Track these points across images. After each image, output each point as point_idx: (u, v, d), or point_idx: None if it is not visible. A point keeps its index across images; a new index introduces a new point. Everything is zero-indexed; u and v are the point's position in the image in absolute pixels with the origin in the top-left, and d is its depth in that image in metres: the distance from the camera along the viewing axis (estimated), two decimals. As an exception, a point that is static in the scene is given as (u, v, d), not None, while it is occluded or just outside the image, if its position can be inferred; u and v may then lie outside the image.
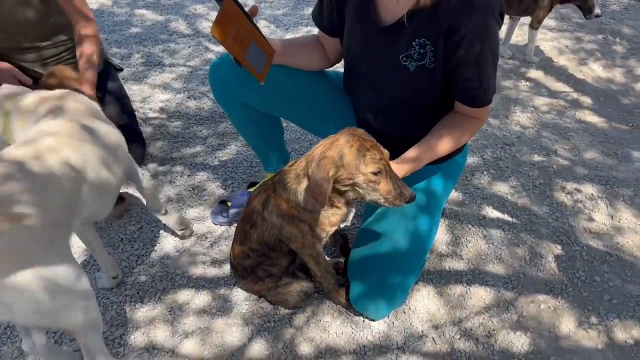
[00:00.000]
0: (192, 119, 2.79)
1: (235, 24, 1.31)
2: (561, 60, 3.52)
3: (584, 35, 3.87)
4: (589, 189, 2.37)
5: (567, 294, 1.87)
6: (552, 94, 3.16)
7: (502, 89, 3.18)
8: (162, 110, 2.85)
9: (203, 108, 2.89)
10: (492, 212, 2.22)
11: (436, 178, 1.79)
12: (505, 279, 1.92)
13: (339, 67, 1.80)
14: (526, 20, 3.55)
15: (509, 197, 2.31)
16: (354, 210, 1.61)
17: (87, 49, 1.97)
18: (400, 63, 1.52)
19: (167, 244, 2.02)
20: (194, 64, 3.35)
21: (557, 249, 2.05)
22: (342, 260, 1.90)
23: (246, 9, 1.36)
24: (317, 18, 1.74)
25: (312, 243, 1.57)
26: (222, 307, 1.78)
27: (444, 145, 1.55)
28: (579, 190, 2.36)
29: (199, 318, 1.74)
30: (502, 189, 2.35)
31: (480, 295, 1.85)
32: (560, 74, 3.38)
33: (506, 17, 3.63)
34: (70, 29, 2.07)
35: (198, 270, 1.91)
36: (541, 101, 3.08)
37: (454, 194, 2.30)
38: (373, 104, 1.70)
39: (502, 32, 3.87)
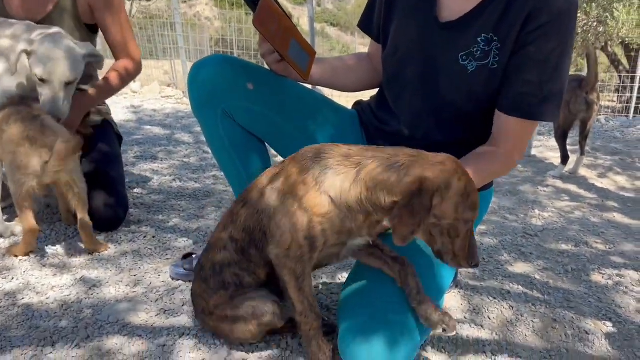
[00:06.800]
0: (172, 194, 2.52)
1: (275, 19, 1.31)
2: (579, 173, 3.30)
3: (600, 155, 3.70)
4: (632, 274, 1.95)
5: (630, 374, 1.37)
6: (574, 198, 2.87)
7: (518, 193, 2.90)
8: (142, 187, 2.60)
9: (187, 188, 2.63)
10: (517, 288, 1.79)
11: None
12: (542, 352, 1.43)
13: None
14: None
15: (537, 276, 1.89)
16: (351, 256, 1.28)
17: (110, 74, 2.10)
18: (459, 63, 1.34)
19: (107, 293, 1.61)
20: (187, 160, 3.18)
21: (607, 327, 1.58)
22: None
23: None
24: (366, 25, 1.62)
25: (300, 254, 1.17)
26: (159, 358, 1.31)
27: None
28: (620, 276, 1.94)
29: (122, 368, 1.27)
30: (527, 270, 1.95)
31: (511, 367, 1.36)
32: (580, 183, 3.13)
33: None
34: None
35: (137, 320, 1.47)
36: (563, 204, 2.77)
37: (469, 270, 1.89)
38: (416, 111, 1.45)
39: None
